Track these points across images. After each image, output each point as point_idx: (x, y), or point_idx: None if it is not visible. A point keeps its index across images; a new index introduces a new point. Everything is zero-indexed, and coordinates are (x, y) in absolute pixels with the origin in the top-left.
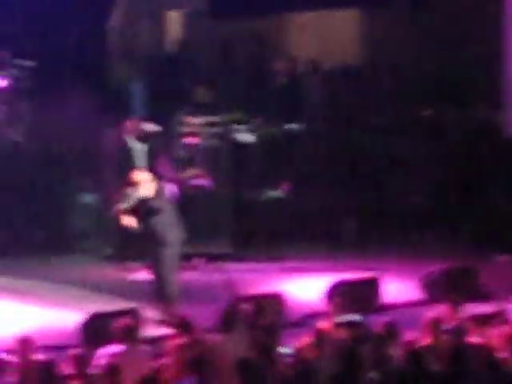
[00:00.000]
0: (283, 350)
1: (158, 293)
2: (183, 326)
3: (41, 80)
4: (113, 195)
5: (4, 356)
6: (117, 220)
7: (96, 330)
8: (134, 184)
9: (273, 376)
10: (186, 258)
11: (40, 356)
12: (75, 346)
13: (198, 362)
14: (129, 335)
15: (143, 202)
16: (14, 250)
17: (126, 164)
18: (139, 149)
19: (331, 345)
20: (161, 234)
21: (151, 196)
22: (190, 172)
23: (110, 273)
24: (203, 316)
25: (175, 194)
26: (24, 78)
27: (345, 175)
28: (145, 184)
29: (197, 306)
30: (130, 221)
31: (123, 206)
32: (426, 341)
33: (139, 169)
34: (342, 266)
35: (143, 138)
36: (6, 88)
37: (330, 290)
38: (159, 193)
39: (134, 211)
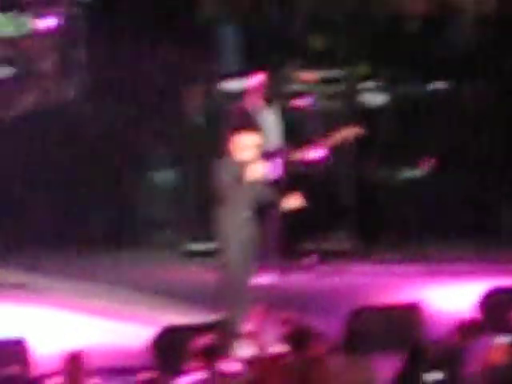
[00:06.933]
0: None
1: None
2: (298, 341)
3: (103, 19)
4: None
5: (49, 380)
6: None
7: (171, 348)
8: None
9: None
10: (297, 255)
11: (96, 380)
12: (144, 369)
13: None
14: (211, 358)
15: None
16: (65, 245)
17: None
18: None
19: None
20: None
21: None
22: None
23: (193, 274)
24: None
25: (276, 171)
26: (81, 17)
27: (504, 150)
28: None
29: (309, 316)
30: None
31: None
32: None
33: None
34: (500, 269)
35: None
36: (56, 30)
37: (483, 300)
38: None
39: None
